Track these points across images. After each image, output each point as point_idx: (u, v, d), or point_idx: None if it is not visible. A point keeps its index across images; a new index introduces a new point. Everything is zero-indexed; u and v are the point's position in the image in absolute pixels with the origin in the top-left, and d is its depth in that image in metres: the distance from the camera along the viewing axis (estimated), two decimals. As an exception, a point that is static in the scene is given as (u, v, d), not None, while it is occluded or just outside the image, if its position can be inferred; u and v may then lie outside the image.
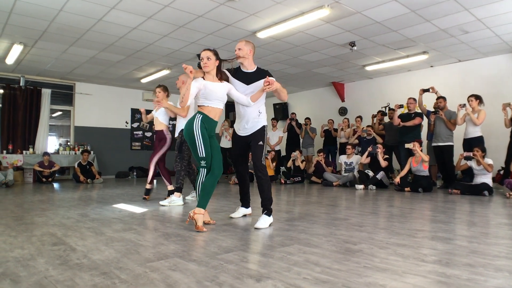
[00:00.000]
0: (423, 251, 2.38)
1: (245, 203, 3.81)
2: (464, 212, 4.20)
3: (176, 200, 4.81)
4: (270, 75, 3.32)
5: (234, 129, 3.67)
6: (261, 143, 3.43)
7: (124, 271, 1.99)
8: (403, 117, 7.20)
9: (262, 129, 3.48)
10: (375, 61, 8.42)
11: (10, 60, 7.84)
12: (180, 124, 4.85)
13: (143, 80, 10.02)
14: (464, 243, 2.60)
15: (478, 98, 6.42)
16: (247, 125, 3.46)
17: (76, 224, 3.44)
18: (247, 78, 3.42)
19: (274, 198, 5.78)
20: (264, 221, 3.24)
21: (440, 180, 7.24)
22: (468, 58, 8.09)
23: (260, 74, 3.43)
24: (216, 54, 3.28)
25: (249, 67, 3.47)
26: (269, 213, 3.31)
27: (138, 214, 4.05)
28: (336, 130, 9.41)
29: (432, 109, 7.06)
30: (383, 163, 6.97)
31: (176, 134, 5.00)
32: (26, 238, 2.81)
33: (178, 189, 4.88)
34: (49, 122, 10.01)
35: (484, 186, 5.66)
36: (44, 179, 8.65)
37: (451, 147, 6.64)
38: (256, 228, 3.15)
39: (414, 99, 7.20)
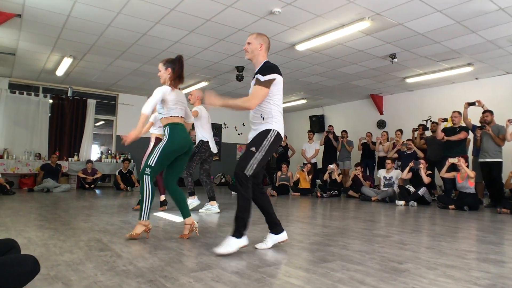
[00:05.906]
0: (474, 274, 2.25)
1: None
2: (516, 233, 3.95)
3: (193, 202, 5.20)
4: (264, 72, 2.68)
5: None
6: (253, 149, 2.66)
7: (169, 280, 2.02)
8: (447, 131, 6.91)
9: (263, 133, 2.70)
10: (416, 73, 8.19)
11: (60, 72, 8.31)
12: (200, 134, 5.20)
13: (182, 92, 10.29)
14: (520, 267, 2.43)
15: (529, 112, 6.07)
16: (251, 132, 2.85)
17: (119, 230, 3.54)
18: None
19: (310, 211, 5.72)
20: (227, 245, 2.63)
21: (487, 198, 6.86)
22: (517, 70, 7.70)
23: (257, 71, 2.79)
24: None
25: (257, 65, 2.83)
26: (237, 235, 2.66)
27: (178, 223, 4.12)
28: (374, 143, 9.19)
29: (478, 124, 6.75)
30: (426, 179, 6.70)
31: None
32: (74, 243, 2.93)
33: (192, 193, 5.28)
34: (93, 131, 10.48)
35: (537, 206, 5.31)
36: (87, 186, 9.04)
37: (500, 163, 6.29)
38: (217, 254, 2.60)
39: (459, 113, 6.89)
